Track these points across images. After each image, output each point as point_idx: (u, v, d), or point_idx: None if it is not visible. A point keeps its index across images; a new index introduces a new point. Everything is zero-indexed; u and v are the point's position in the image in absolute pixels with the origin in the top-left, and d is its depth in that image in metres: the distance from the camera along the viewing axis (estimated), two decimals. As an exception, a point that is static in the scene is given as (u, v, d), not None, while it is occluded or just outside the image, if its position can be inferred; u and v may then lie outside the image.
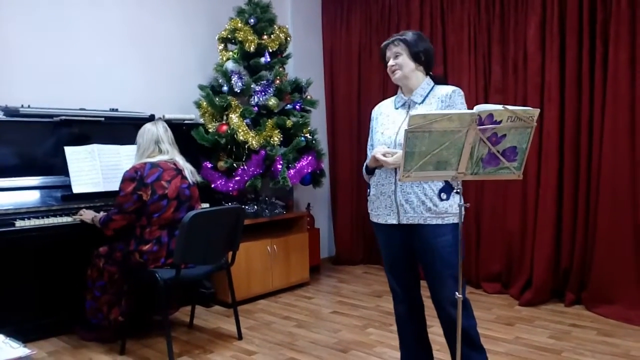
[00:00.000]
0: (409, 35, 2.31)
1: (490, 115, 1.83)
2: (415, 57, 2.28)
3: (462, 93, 2.28)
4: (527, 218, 4.01)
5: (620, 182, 3.54)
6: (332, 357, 3.02)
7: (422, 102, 2.28)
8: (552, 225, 3.86)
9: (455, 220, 2.23)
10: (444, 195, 2.21)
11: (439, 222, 2.20)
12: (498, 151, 1.90)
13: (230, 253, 3.26)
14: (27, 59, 3.53)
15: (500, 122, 1.84)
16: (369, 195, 2.41)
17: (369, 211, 2.42)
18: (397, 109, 2.35)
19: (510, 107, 1.82)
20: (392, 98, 2.44)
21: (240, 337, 3.32)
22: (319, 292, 4.40)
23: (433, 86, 2.31)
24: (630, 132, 3.51)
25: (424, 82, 2.31)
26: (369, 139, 2.46)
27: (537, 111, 1.85)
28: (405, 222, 2.25)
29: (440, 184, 2.21)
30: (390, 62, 2.29)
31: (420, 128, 1.84)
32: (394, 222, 2.27)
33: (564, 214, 3.84)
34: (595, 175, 3.68)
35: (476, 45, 4.29)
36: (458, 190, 2.21)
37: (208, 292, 3.88)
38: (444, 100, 2.24)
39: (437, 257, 2.21)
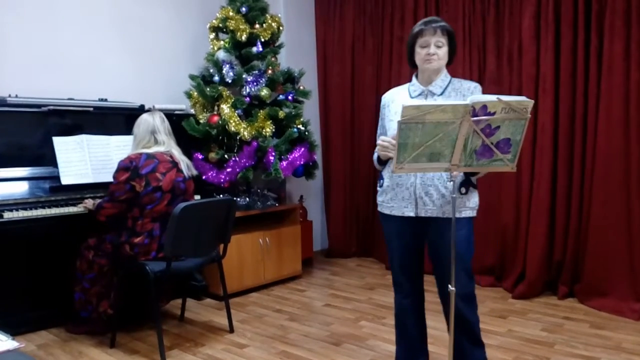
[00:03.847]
0: (450, 27, 2.22)
1: (484, 106, 1.80)
2: (452, 52, 2.23)
3: (481, 89, 2.26)
4: (520, 211, 4.00)
5: (613, 175, 3.52)
6: (324, 350, 3.00)
7: (442, 93, 2.24)
8: (545, 218, 3.84)
9: (471, 214, 2.25)
10: (463, 190, 2.20)
11: (456, 215, 2.18)
12: (492, 143, 1.88)
13: (222, 245, 3.23)
14: (14, 48, 3.47)
15: (494, 113, 1.82)
16: (381, 186, 2.35)
17: (380, 202, 2.37)
18: (412, 97, 2.29)
19: (504, 98, 1.80)
20: (405, 86, 2.37)
21: (231, 330, 3.29)
22: (311, 285, 4.38)
23: (450, 79, 2.27)
24: (624, 124, 3.49)
25: (443, 74, 2.26)
26: (379, 127, 2.41)
27: (531, 102, 1.83)
28: (423, 215, 2.21)
29: (460, 178, 2.19)
30: (432, 50, 2.18)
31: (414, 119, 1.82)
32: (411, 214, 2.23)
33: (557, 207, 3.83)
34: (589, 167, 3.66)
35: (471, 35, 4.26)
36: (475, 185, 2.22)
37: (199, 284, 3.85)
38: (466, 95, 2.20)
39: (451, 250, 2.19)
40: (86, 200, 3.21)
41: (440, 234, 2.21)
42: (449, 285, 2.09)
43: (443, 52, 2.20)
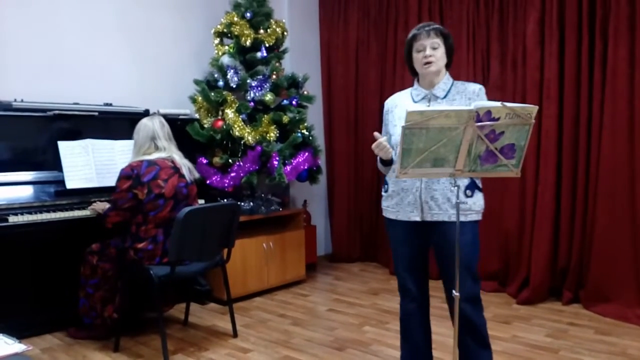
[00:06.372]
0: (443, 28, 2.24)
1: (488, 112, 1.80)
2: (449, 52, 2.24)
3: (485, 91, 2.26)
4: (525, 216, 3.99)
5: (618, 180, 3.51)
6: (328, 355, 3.00)
7: (445, 96, 2.24)
8: (550, 224, 3.83)
9: (477, 218, 2.24)
10: (469, 192, 2.19)
11: (462, 219, 2.17)
12: (496, 148, 1.88)
13: (226, 250, 3.23)
14: (20, 53, 3.49)
15: (498, 119, 1.81)
16: (386, 191, 2.35)
17: (385, 207, 2.37)
18: (415, 102, 2.29)
19: (508, 104, 1.80)
20: (407, 90, 2.37)
21: (235, 335, 3.29)
22: (315, 289, 4.37)
23: (453, 81, 2.27)
24: (629, 129, 3.48)
25: (445, 76, 2.27)
26: (383, 133, 2.41)
27: (535, 108, 1.83)
28: (429, 219, 2.21)
29: (467, 181, 2.19)
30: (428, 52, 2.19)
31: (418, 124, 1.82)
32: (417, 219, 2.23)
33: (562, 212, 3.82)
34: (593, 173, 3.65)
35: (475, 41, 4.26)
36: (480, 187, 2.22)
37: (203, 289, 3.84)
38: (472, 97, 2.20)
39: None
40: (96, 203, 3.21)
41: (446, 238, 2.20)
42: (453, 291, 2.09)
43: (440, 53, 2.21)
